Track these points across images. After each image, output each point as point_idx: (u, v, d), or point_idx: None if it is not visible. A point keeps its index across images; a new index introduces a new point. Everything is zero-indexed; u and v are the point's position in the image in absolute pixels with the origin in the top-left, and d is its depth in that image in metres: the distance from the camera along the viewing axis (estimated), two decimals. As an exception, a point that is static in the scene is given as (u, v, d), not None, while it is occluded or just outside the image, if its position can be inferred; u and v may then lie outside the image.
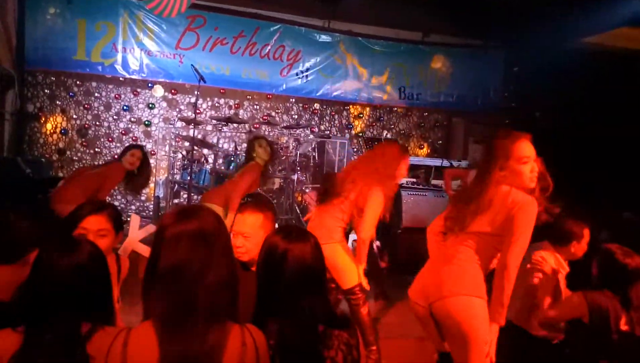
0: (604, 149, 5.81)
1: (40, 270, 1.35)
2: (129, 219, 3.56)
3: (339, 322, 1.46)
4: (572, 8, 5.19)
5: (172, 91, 6.66)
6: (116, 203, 6.45)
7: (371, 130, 7.52)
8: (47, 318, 1.29)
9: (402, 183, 5.82)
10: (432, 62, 7.24)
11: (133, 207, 6.51)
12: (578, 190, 5.40)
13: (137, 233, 3.51)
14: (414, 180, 5.98)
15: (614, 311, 2.25)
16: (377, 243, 4.93)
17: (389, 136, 7.52)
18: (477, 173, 2.20)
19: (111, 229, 1.93)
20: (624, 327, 2.25)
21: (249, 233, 1.94)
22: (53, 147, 6.33)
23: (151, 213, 6.15)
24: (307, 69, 6.81)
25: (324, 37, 6.84)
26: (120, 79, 6.36)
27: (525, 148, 2.09)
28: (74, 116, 6.39)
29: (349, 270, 2.93)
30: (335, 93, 7.02)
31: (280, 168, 6.02)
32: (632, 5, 4.84)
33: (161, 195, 6.14)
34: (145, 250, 3.49)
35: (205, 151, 6.33)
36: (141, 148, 4.19)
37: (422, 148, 7.77)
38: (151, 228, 3.66)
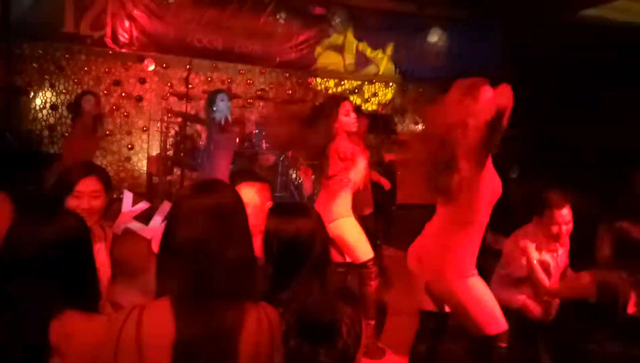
0: (597, 121, 5.78)
1: (10, 240, 1.28)
2: (121, 196, 3.53)
3: (346, 297, 1.47)
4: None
5: (164, 65, 6.52)
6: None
7: (367, 105, 7.44)
8: (13, 294, 1.22)
9: (396, 160, 5.80)
10: (428, 35, 7.12)
11: (125, 184, 6.46)
12: (572, 164, 5.43)
13: (130, 209, 3.48)
14: (409, 157, 5.94)
15: (623, 293, 2.21)
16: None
17: (384, 111, 7.45)
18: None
19: (102, 190, 1.96)
20: (631, 309, 2.22)
21: (246, 203, 1.92)
22: (43, 123, 6.21)
23: (144, 190, 6.10)
24: (301, 43, 6.67)
25: (319, 10, 6.68)
26: (110, 52, 6.20)
27: (487, 92, 2.00)
28: (64, 91, 6.26)
29: (360, 244, 2.94)
30: (330, 67, 6.91)
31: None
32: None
33: (154, 171, 6.08)
34: (139, 227, 3.47)
35: (199, 126, 6.24)
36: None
37: (417, 124, 7.71)
38: (144, 205, 3.64)
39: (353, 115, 2.98)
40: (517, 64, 6.51)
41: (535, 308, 2.63)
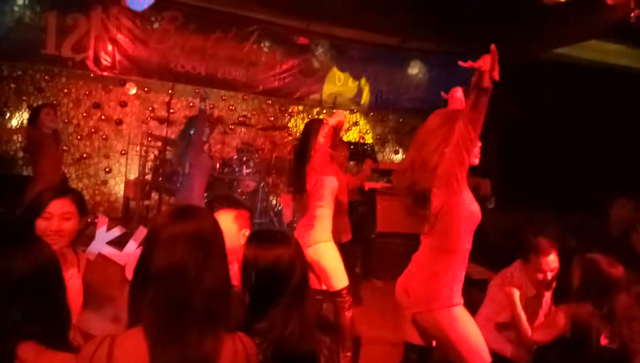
0: (573, 157, 5.98)
1: None
2: (96, 220, 3.43)
3: (323, 326, 1.44)
4: (545, 19, 5.32)
5: (145, 89, 6.51)
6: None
7: (348, 134, 7.52)
8: None
9: (377, 189, 5.85)
10: (409, 67, 7.30)
11: (101, 208, 6.32)
12: (547, 196, 5.57)
13: (105, 234, 3.39)
14: (388, 185, 6.00)
15: (596, 327, 2.22)
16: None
17: (364, 139, 7.54)
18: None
19: (75, 212, 1.92)
20: (603, 340, 2.23)
21: (222, 230, 1.89)
22: (18, 144, 6.08)
23: (120, 214, 5.98)
24: (285, 71, 6.76)
25: (302, 40, 6.80)
26: (91, 75, 6.16)
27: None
28: (41, 112, 6.16)
29: (336, 271, 2.88)
30: (312, 96, 6.99)
31: (255, 170, 5.95)
32: (601, 18, 4.99)
33: (131, 196, 5.97)
34: (112, 253, 3.38)
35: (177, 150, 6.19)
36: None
37: (397, 153, 7.82)
38: (120, 230, 3.55)
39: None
40: (494, 96, 6.70)
41: (517, 354, 2.60)
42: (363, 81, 7.17)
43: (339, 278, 2.88)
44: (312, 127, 3.03)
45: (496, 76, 1.87)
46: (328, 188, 2.93)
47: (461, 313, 2.01)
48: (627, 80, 6.12)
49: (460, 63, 1.95)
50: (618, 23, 4.80)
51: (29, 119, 4.19)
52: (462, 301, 2.04)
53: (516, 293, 2.59)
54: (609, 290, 2.26)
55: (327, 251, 2.90)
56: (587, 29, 5.51)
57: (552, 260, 2.56)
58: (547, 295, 2.70)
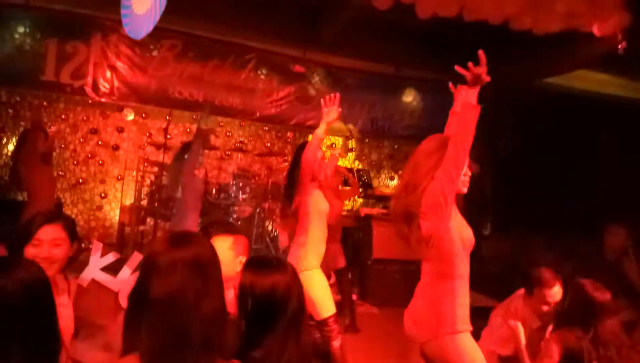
0: (565, 183, 6.04)
1: None
2: (90, 246, 3.41)
3: (319, 354, 1.43)
4: (536, 49, 5.46)
5: (143, 115, 6.56)
6: (77, 229, 6.19)
7: (344, 160, 7.57)
8: None
9: (373, 215, 5.86)
10: (404, 95, 7.42)
11: (96, 233, 6.27)
12: (542, 222, 5.60)
13: (99, 260, 3.36)
14: (384, 211, 6.01)
15: (587, 353, 2.21)
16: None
17: (360, 166, 7.59)
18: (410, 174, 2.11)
19: (66, 238, 1.90)
20: None
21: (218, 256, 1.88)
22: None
23: (114, 240, 5.93)
24: (281, 98, 6.85)
25: (299, 68, 6.92)
26: (90, 101, 6.22)
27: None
28: (38, 138, 6.18)
29: (323, 299, 2.82)
30: (308, 122, 7.06)
31: (251, 196, 5.95)
32: (590, 49, 5.13)
33: (126, 221, 5.94)
34: (106, 279, 3.34)
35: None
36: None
37: (393, 179, 7.86)
38: (114, 256, 3.52)
39: (320, 154, 3.04)
40: (487, 124, 6.80)
41: None
42: (358, 108, 7.23)
43: (325, 306, 2.81)
44: (304, 149, 3.03)
45: (486, 78, 1.97)
46: (314, 210, 2.89)
47: (467, 340, 1.97)
48: (615, 108, 6.26)
49: (456, 68, 2.02)
50: (606, 54, 4.94)
51: (18, 143, 4.17)
52: (469, 328, 2.00)
53: (520, 328, 2.57)
54: (595, 315, 2.27)
55: (313, 280, 2.83)
56: (576, 59, 5.66)
57: (556, 292, 2.55)
58: (550, 326, 2.69)
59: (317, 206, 2.93)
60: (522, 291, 2.70)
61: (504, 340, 2.61)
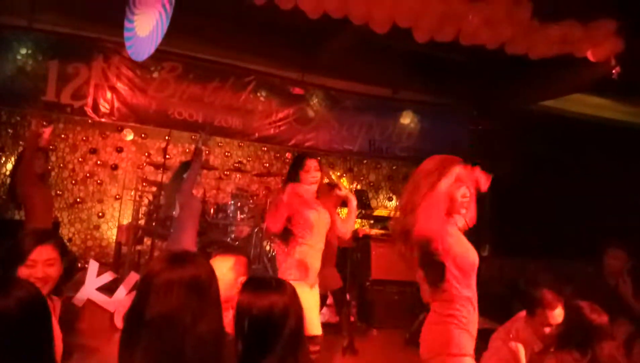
0: (562, 205, 6.06)
1: None
2: (87, 265, 3.39)
3: None
4: (532, 73, 5.55)
5: (142, 135, 6.60)
6: (74, 248, 6.16)
7: (342, 181, 7.59)
8: None
9: (371, 235, 5.84)
10: (401, 117, 7.49)
11: (92, 253, 6.23)
12: (541, 244, 5.60)
13: (95, 280, 3.33)
14: (383, 232, 6.00)
15: None
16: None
17: (359, 186, 7.61)
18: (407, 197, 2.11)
19: (58, 257, 1.91)
20: None
21: (217, 276, 1.87)
22: (11, 188, 6.06)
23: (111, 259, 5.89)
24: (280, 119, 6.91)
25: (298, 90, 7.00)
26: (89, 121, 6.26)
27: (462, 172, 2.05)
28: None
29: (310, 317, 2.79)
30: (307, 143, 7.11)
31: (249, 215, 5.94)
32: (585, 73, 5.22)
33: (123, 240, 5.91)
34: (101, 299, 3.31)
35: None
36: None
37: (391, 200, 7.87)
38: (110, 276, 3.49)
39: (314, 173, 2.90)
40: (485, 147, 6.88)
41: None
42: (356, 129, 7.29)
43: (313, 323, 2.74)
44: (295, 161, 2.96)
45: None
46: (300, 224, 2.81)
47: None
48: (611, 132, 6.33)
49: None
50: (601, 78, 5.02)
51: (17, 161, 4.18)
52: (472, 353, 1.99)
53: (521, 350, 2.54)
54: (592, 337, 2.25)
55: (304, 294, 2.79)
56: (571, 83, 5.74)
57: (558, 314, 2.52)
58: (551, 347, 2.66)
59: (305, 220, 2.84)
60: (523, 313, 2.67)
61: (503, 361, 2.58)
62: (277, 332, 1.41)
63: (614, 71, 4.75)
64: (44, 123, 6.16)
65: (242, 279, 1.88)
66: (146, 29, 3.53)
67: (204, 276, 1.21)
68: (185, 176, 4.44)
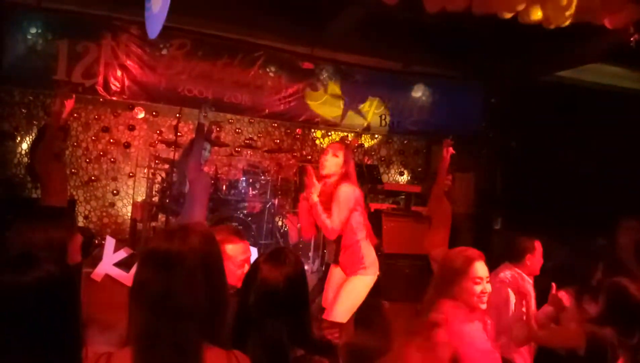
0: (574, 178, 5.98)
1: None
2: (103, 242, 3.47)
3: (320, 347, 1.45)
4: (546, 43, 5.40)
5: (153, 113, 6.62)
6: (91, 226, 6.30)
7: (353, 156, 7.56)
8: None
9: (383, 210, 5.86)
10: (413, 91, 7.38)
11: (109, 230, 6.36)
12: (551, 218, 5.55)
13: (112, 256, 3.41)
14: (394, 206, 6.02)
15: (612, 351, 2.08)
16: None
17: (370, 161, 7.59)
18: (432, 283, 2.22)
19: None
20: None
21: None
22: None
23: (127, 236, 6.01)
24: (290, 95, 6.86)
25: (307, 64, 6.92)
26: (101, 100, 6.29)
27: (480, 269, 2.06)
28: (51, 136, 6.27)
29: (344, 303, 2.86)
30: (317, 119, 7.08)
31: (261, 192, 5.99)
32: (602, 42, 5.07)
33: (138, 217, 6.02)
34: (119, 274, 3.39)
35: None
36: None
37: (402, 175, 7.85)
38: (127, 252, 3.57)
39: (323, 157, 3.07)
40: (497, 119, 6.79)
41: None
42: (367, 104, 7.20)
43: (343, 312, 2.89)
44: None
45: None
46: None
47: None
48: (627, 102, 6.17)
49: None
50: (618, 46, 4.87)
51: (36, 138, 4.25)
52: None
53: (512, 295, 2.73)
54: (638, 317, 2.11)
55: (354, 284, 3.04)
56: (587, 52, 5.59)
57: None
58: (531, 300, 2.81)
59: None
60: (506, 264, 2.92)
61: (499, 312, 2.68)
62: (281, 302, 1.45)
63: (632, 39, 4.61)
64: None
65: (246, 266, 1.88)
66: (157, 4, 3.50)
67: (189, 250, 1.22)
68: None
